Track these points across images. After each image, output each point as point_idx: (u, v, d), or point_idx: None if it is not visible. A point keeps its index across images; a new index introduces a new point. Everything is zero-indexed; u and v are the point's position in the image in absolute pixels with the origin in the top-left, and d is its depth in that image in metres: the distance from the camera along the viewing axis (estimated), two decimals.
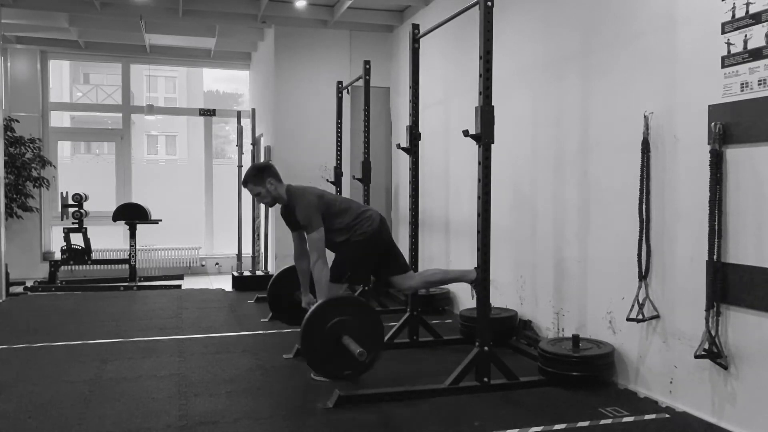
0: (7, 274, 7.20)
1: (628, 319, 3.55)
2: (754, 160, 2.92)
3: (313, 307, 3.39)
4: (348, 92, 6.73)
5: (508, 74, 4.91)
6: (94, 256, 8.55)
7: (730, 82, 3.02)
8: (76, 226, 8.33)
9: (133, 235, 8.37)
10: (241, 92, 15.27)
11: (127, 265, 8.46)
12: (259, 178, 3.93)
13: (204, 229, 10.34)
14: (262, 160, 8.35)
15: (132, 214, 8.36)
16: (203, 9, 7.43)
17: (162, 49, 9.58)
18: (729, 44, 3.02)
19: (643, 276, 3.54)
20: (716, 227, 3.04)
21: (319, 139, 7.60)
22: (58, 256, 8.90)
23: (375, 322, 3.42)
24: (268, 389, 3.70)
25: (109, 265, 8.98)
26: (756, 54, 2.89)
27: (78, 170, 11.07)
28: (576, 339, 3.79)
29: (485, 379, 3.60)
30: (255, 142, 8.75)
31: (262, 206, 8.55)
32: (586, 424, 3.12)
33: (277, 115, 7.75)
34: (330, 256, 3.97)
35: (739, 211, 2.99)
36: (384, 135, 7.80)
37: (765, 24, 2.85)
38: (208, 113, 10.22)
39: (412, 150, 4.73)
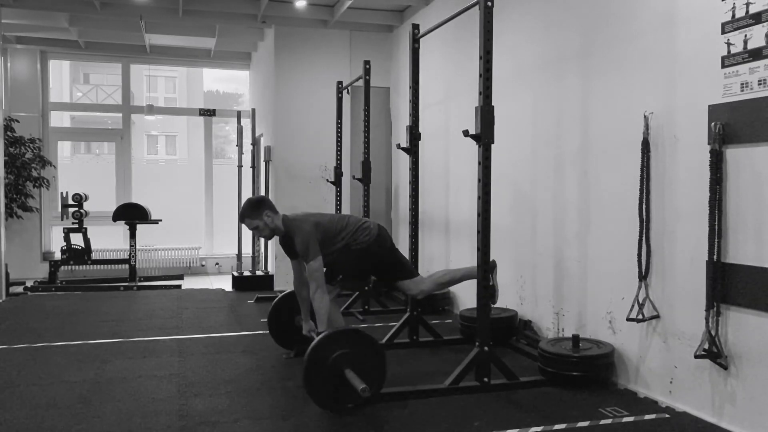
0: (7, 274, 7.20)
1: (628, 319, 3.55)
2: (754, 160, 2.92)
3: (315, 341, 3.37)
4: (348, 92, 6.73)
5: (508, 74, 4.91)
6: (94, 256, 8.56)
7: (730, 82, 3.02)
8: (76, 226, 8.33)
9: (133, 235, 8.38)
10: (241, 92, 15.26)
11: (127, 265, 8.46)
12: (256, 212, 3.93)
13: (204, 229, 10.34)
14: (262, 160, 8.34)
15: (132, 214, 8.36)
16: (203, 9, 7.43)
17: (162, 49, 9.58)
18: (729, 44, 3.03)
19: (643, 276, 3.54)
20: (716, 227, 3.04)
21: (319, 139, 7.61)
22: (58, 256, 8.90)
23: (377, 354, 3.41)
24: (268, 389, 3.70)
25: (109, 265, 8.98)
26: (756, 54, 2.89)
27: (78, 170, 11.07)
28: (576, 339, 3.79)
29: (485, 379, 3.60)
30: (255, 142, 8.75)
31: None
32: (586, 424, 3.12)
33: (277, 115, 7.75)
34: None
35: (739, 211, 2.99)
36: (384, 135, 7.80)
37: (765, 24, 2.85)
38: (208, 113, 10.22)
39: (412, 150, 4.73)
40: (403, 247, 4.61)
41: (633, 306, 3.55)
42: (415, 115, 4.70)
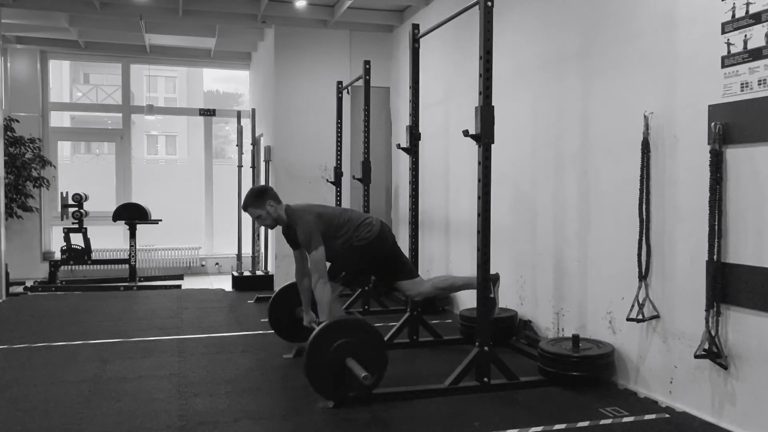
0: (7, 274, 7.20)
1: (628, 319, 3.55)
2: (754, 160, 2.91)
3: (316, 331, 3.38)
4: (348, 92, 6.73)
5: (508, 74, 4.91)
6: (94, 256, 8.56)
7: (730, 82, 3.02)
8: (76, 226, 8.33)
9: (133, 235, 8.38)
10: (241, 92, 15.26)
11: (127, 265, 8.46)
12: (259, 201, 3.95)
13: (204, 229, 10.35)
14: (262, 160, 8.34)
15: (132, 214, 8.36)
16: (203, 9, 7.43)
17: (162, 49, 9.58)
18: (729, 44, 3.02)
19: (643, 276, 3.53)
20: (716, 227, 3.04)
21: (319, 139, 7.61)
22: (58, 256, 8.91)
23: (378, 343, 3.42)
24: (268, 389, 3.70)
25: (109, 265, 8.99)
26: (756, 54, 2.89)
27: (78, 170, 11.07)
28: (576, 339, 3.78)
29: (485, 379, 3.60)
30: (255, 142, 8.75)
31: None
32: (586, 424, 3.12)
33: (277, 115, 7.75)
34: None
35: (739, 211, 2.99)
36: (384, 135, 7.80)
37: (765, 24, 2.85)
38: (208, 113, 10.22)
39: (412, 150, 4.73)
40: (403, 247, 4.60)
41: (633, 306, 3.55)
42: (415, 115, 4.70)
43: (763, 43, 2.86)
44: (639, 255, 3.54)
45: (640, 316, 3.50)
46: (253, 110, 8.96)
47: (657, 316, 3.48)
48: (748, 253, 2.95)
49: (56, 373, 3.99)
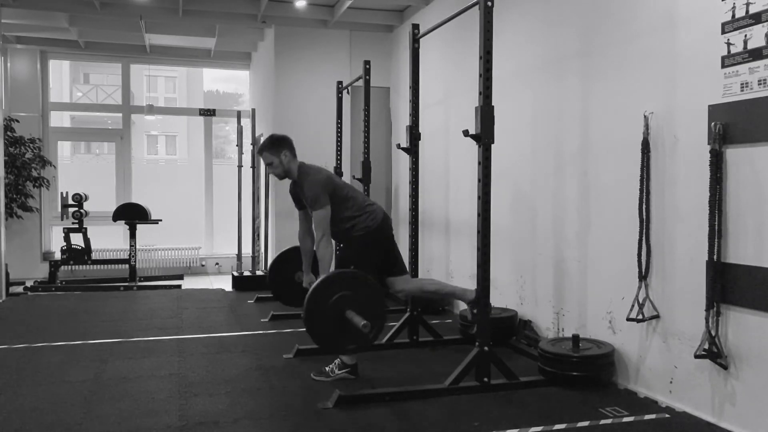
0: (7, 274, 7.20)
1: (628, 319, 3.55)
2: (754, 160, 2.92)
3: (315, 283, 3.38)
4: (348, 92, 6.73)
5: (508, 74, 4.91)
6: (94, 256, 8.55)
7: (730, 82, 3.02)
8: (76, 226, 8.33)
9: (133, 235, 8.37)
10: (241, 92, 15.27)
11: (127, 265, 8.46)
12: (276, 148, 3.95)
13: (204, 229, 10.34)
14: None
15: (132, 214, 8.36)
16: (203, 9, 7.43)
17: (162, 49, 9.58)
18: (729, 44, 3.02)
19: (643, 276, 3.54)
20: (716, 227, 3.04)
21: (319, 139, 7.59)
22: (58, 256, 8.90)
23: (377, 296, 3.41)
24: (268, 389, 3.70)
25: (109, 265, 8.98)
26: (756, 54, 2.89)
27: (78, 170, 11.06)
28: (576, 339, 3.78)
29: (485, 379, 3.60)
30: (255, 142, 8.74)
31: (262, 206, 8.55)
32: (586, 424, 3.12)
33: (277, 115, 7.75)
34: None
35: (739, 211, 2.99)
36: (384, 135, 7.80)
37: (765, 24, 2.85)
38: (208, 113, 10.22)
39: (412, 150, 4.73)
40: (403, 247, 4.60)
41: (633, 306, 3.55)
42: (415, 115, 4.70)
43: (763, 43, 2.86)
44: (639, 255, 3.54)
45: (640, 316, 3.50)
46: (253, 110, 8.96)
47: (657, 316, 3.48)
48: (748, 253, 2.95)
49: (56, 373, 4.00)
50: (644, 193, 3.52)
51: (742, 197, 2.97)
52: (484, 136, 3.56)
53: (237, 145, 8.77)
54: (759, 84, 2.88)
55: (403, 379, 3.90)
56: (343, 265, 3.94)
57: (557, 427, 3.09)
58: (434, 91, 6.32)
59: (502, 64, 4.50)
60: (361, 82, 5.81)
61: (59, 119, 11.15)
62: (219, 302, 6.69)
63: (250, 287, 7.44)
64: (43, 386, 3.73)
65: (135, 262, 8.42)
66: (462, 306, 5.77)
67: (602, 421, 3.15)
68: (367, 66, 5.68)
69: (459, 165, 5.88)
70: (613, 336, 3.83)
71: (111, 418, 3.20)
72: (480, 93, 3.58)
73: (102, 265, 8.95)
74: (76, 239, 8.32)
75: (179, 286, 8.19)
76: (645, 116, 3.52)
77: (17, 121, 8.67)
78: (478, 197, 3.60)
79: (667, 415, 3.25)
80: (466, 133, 3.57)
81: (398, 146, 4.89)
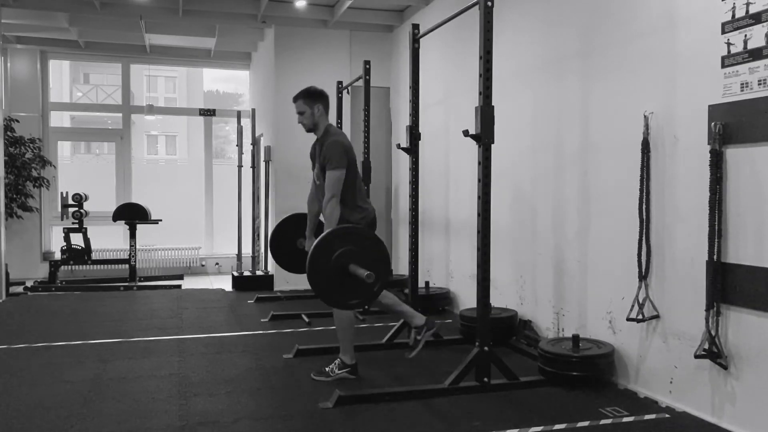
0: (7, 274, 7.20)
1: (628, 319, 3.55)
2: (754, 160, 2.92)
3: (318, 239, 3.37)
4: (348, 92, 6.73)
5: (508, 74, 4.91)
6: (94, 256, 8.56)
7: (730, 82, 3.02)
8: (76, 226, 8.33)
9: (133, 235, 8.38)
10: (241, 92, 15.27)
11: (127, 265, 8.46)
12: (312, 99, 3.93)
13: (204, 229, 10.34)
14: (262, 160, 8.34)
15: (132, 214, 8.36)
16: (203, 9, 7.43)
17: (162, 49, 9.58)
18: (729, 44, 3.02)
19: (643, 276, 3.54)
20: (716, 227, 3.04)
21: None
22: (58, 256, 8.91)
23: (380, 251, 3.41)
24: (268, 389, 3.70)
25: (109, 265, 8.98)
26: (756, 54, 2.89)
27: (78, 170, 11.07)
28: (576, 339, 3.78)
29: (485, 379, 3.60)
30: (255, 142, 8.75)
31: (262, 206, 8.56)
32: (586, 424, 3.12)
33: (277, 115, 7.75)
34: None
35: (739, 211, 2.99)
36: (384, 135, 7.80)
37: (765, 24, 2.85)
38: (208, 113, 10.22)
39: (412, 150, 4.73)
40: (404, 247, 4.60)
41: (633, 306, 3.55)
42: (415, 115, 4.70)
43: (763, 43, 2.86)
44: (639, 255, 3.54)
45: (640, 316, 3.50)
46: (253, 110, 8.96)
47: (657, 316, 3.48)
48: (748, 253, 2.95)
49: (56, 373, 3.99)
50: (644, 193, 3.52)
51: (742, 197, 2.97)
52: (484, 136, 3.56)
53: (237, 145, 8.77)
54: (759, 84, 2.88)
55: (403, 379, 3.90)
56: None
57: (557, 427, 3.08)
58: (434, 91, 6.32)
59: (502, 64, 4.50)
60: (361, 82, 5.81)
61: (59, 119, 11.16)
62: (219, 302, 6.69)
63: (250, 287, 7.44)
64: (43, 386, 3.73)
65: (135, 262, 8.42)
66: (462, 306, 5.78)
67: (602, 421, 3.15)
68: (367, 66, 5.68)
69: (459, 165, 5.88)
70: (613, 336, 3.83)
71: (111, 418, 3.20)
72: (480, 93, 3.58)
73: (102, 265, 8.96)
74: (76, 239, 8.33)
75: (179, 286, 8.19)
76: (645, 116, 3.52)
77: (17, 121, 8.68)
78: (478, 197, 3.60)
79: (667, 415, 3.25)
80: (466, 133, 3.57)
81: (398, 146, 4.89)
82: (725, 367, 3.03)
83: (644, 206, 3.52)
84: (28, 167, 8.70)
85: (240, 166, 8.64)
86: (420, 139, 4.74)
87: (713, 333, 3.04)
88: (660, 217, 3.47)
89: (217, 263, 10.11)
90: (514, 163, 4.89)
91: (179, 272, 9.62)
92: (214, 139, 11.24)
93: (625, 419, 3.19)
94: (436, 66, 6.28)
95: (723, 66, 3.06)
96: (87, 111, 17.40)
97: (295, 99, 4.00)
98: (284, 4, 7.25)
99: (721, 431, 3.04)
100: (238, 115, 8.87)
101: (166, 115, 15.95)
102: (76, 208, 8.36)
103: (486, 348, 3.61)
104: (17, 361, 4.29)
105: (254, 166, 8.61)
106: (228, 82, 21.07)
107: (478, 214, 3.61)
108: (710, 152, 3.06)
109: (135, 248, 8.42)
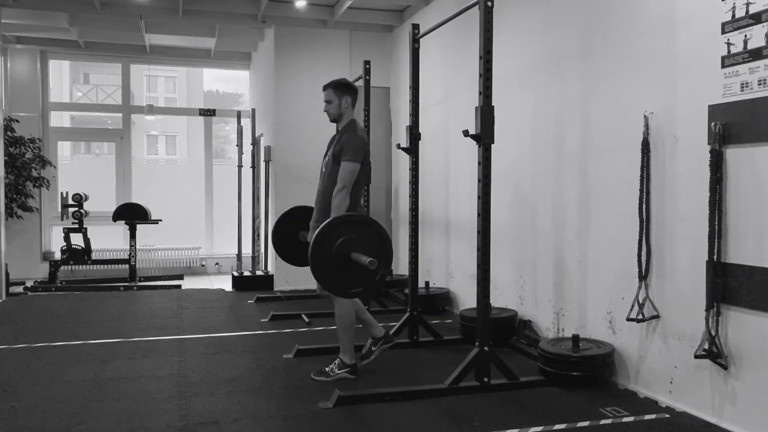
0: (7, 274, 7.20)
1: (628, 319, 3.55)
2: (754, 160, 2.92)
3: (320, 227, 3.37)
4: None
5: (508, 74, 4.91)
6: (94, 256, 8.56)
7: (730, 82, 3.02)
8: (76, 226, 8.33)
9: (133, 235, 8.38)
10: (241, 92, 15.27)
11: (127, 265, 8.46)
12: (343, 91, 3.95)
13: (204, 229, 10.34)
14: (262, 160, 8.34)
15: (132, 214, 8.36)
16: (203, 9, 7.43)
17: (162, 49, 9.58)
18: (729, 44, 3.02)
19: (643, 276, 3.54)
20: (716, 227, 3.04)
21: (319, 139, 7.56)
22: (58, 256, 8.90)
23: (383, 239, 3.41)
24: (268, 389, 3.70)
25: (109, 265, 8.98)
26: (756, 54, 2.89)
27: (78, 170, 11.06)
28: (576, 339, 3.78)
29: (485, 379, 3.60)
30: (255, 142, 8.75)
31: (262, 206, 8.56)
32: (586, 424, 3.12)
33: (277, 115, 7.75)
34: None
35: (739, 211, 2.99)
36: (384, 135, 7.80)
37: (765, 24, 2.85)
38: (208, 113, 10.22)
39: (412, 150, 4.73)
40: (404, 247, 4.60)
41: (633, 306, 3.55)
42: (415, 115, 4.70)
43: (763, 43, 2.86)
44: (639, 255, 3.54)
45: (640, 316, 3.51)
46: (253, 110, 8.96)
47: (657, 316, 3.48)
48: (748, 253, 2.95)
49: (56, 373, 3.99)
50: (644, 193, 3.52)
51: (742, 197, 2.97)
52: (484, 136, 3.56)
53: (237, 145, 8.77)
54: (759, 84, 2.88)
55: (403, 379, 3.90)
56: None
57: (557, 427, 3.08)
58: (434, 91, 6.31)
59: (502, 64, 4.50)
60: (361, 82, 5.81)
61: (59, 119, 11.15)
62: (219, 302, 6.69)
63: (250, 287, 7.44)
64: (43, 386, 3.73)
65: (135, 262, 8.42)
66: (462, 306, 5.78)
67: (602, 421, 3.15)
68: (367, 66, 5.68)
69: (459, 165, 5.88)
70: (613, 336, 3.83)
71: (111, 418, 3.20)
72: (480, 93, 3.58)
73: (102, 265, 8.96)
74: (76, 239, 8.33)
75: (179, 286, 8.19)
76: (645, 116, 3.52)
77: (17, 121, 8.68)
78: (478, 197, 3.60)
79: (667, 415, 3.25)
80: (466, 133, 3.57)
81: (398, 146, 4.89)
82: (725, 367, 3.03)
83: (644, 206, 3.52)
84: (28, 167, 8.70)
85: (240, 166, 8.64)
86: (420, 139, 4.74)
87: (713, 333, 3.04)
88: (660, 217, 3.47)
89: (217, 263, 10.11)
90: (514, 163, 4.89)
91: (179, 272, 9.62)
92: (214, 139, 11.24)
93: (625, 419, 3.19)
94: (436, 66, 6.28)
95: (723, 66, 3.06)
96: (87, 111, 17.41)
97: (325, 87, 4.02)
98: (284, 4, 7.25)
99: (721, 431, 3.04)
100: (238, 115, 8.87)
101: (166, 115, 15.95)
102: (76, 208, 8.36)
103: (486, 348, 3.61)
104: (17, 361, 4.29)
105: (254, 166, 8.61)
106: (228, 82, 21.08)
107: (478, 214, 3.61)
108: (710, 152, 3.06)
109: (135, 248, 8.42)
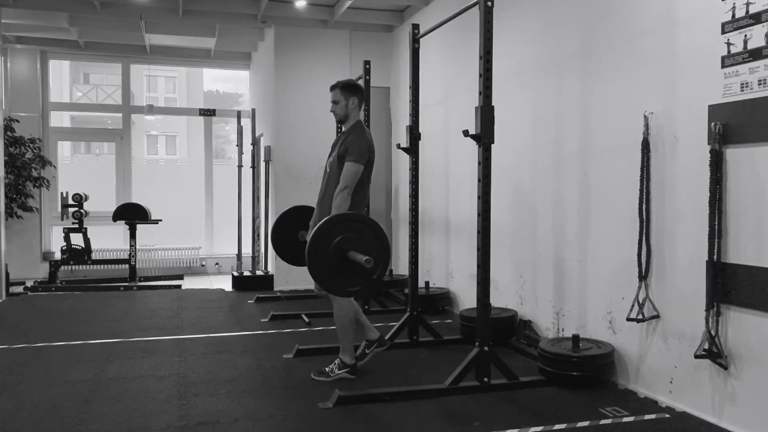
0: (7, 274, 7.20)
1: (628, 319, 3.55)
2: (754, 160, 2.92)
3: (317, 226, 3.37)
4: None
5: (508, 74, 4.91)
6: (94, 256, 8.56)
7: (730, 82, 3.02)
8: (76, 226, 8.33)
9: (133, 235, 8.38)
10: (241, 92, 15.27)
11: (127, 265, 8.46)
12: (350, 91, 3.97)
13: (204, 229, 10.34)
14: (262, 160, 8.34)
15: (132, 214, 8.36)
16: (203, 9, 7.43)
17: (162, 49, 9.58)
18: (729, 44, 3.03)
19: (643, 276, 3.54)
20: (716, 227, 3.04)
21: (319, 139, 7.58)
22: (58, 256, 8.90)
23: (381, 239, 3.41)
24: (268, 389, 3.70)
25: (109, 265, 8.98)
26: (756, 54, 2.89)
27: (78, 170, 11.07)
28: (576, 339, 3.78)
29: (485, 379, 3.60)
30: (255, 142, 8.75)
31: (262, 206, 8.56)
32: (586, 424, 3.12)
33: (277, 115, 7.75)
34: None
35: (739, 211, 2.99)
36: (384, 135, 7.80)
37: (765, 24, 2.85)
38: (208, 113, 10.21)
39: (412, 150, 4.73)
40: (404, 247, 4.60)
41: (633, 306, 3.55)
42: (415, 115, 4.70)
43: (763, 43, 2.86)
44: (639, 255, 3.54)
45: (640, 316, 3.50)
46: (253, 110, 8.96)
47: (657, 316, 3.48)
48: (748, 253, 2.95)
49: (56, 373, 3.99)
50: (644, 193, 3.52)
51: (742, 197, 2.97)
52: (484, 136, 3.56)
53: (237, 145, 8.77)
54: (759, 84, 2.88)
55: (403, 379, 3.90)
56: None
57: (557, 427, 3.08)
58: (434, 91, 6.32)
59: (502, 64, 4.50)
60: (361, 82, 5.81)
61: (59, 119, 11.15)
62: (219, 302, 6.69)
63: (250, 287, 7.44)
64: (43, 386, 3.73)
65: (135, 262, 8.42)
66: (462, 306, 5.78)
67: (602, 421, 3.15)
68: (367, 66, 5.68)
69: (459, 165, 5.88)
70: (613, 336, 3.83)
71: (111, 418, 3.20)
72: (480, 93, 3.58)
73: (102, 265, 8.95)
74: (76, 239, 8.33)
75: (179, 286, 8.19)
76: (645, 116, 3.52)
77: (17, 121, 8.67)
78: (478, 197, 3.60)
79: (667, 415, 3.25)
80: (466, 133, 3.57)
81: (398, 146, 4.89)
82: (725, 367, 3.03)
83: (644, 206, 3.52)
84: (28, 167, 8.70)
85: (240, 166, 8.65)
86: (420, 139, 4.74)
87: (713, 333, 3.05)
88: (660, 217, 3.47)
89: (217, 263, 10.11)
90: (514, 163, 4.89)
91: (179, 272, 9.62)
92: (214, 139, 11.24)
93: (625, 419, 3.19)
94: (436, 66, 6.28)
95: (723, 66, 3.06)
96: (87, 111, 17.40)
97: (333, 88, 4.03)
98: (284, 4, 7.25)
99: (721, 431, 3.04)
100: (238, 115, 8.87)
101: (166, 115, 15.94)
102: (76, 208, 8.36)
103: (486, 348, 3.61)
104: (17, 361, 4.29)
105: (254, 166, 8.61)
106: (228, 82, 21.08)
107: (478, 214, 3.61)
108: (710, 152, 3.06)
109: (135, 248, 8.42)
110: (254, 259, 8.46)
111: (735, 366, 3.02)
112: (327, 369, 3.84)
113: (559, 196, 4.38)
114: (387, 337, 4.58)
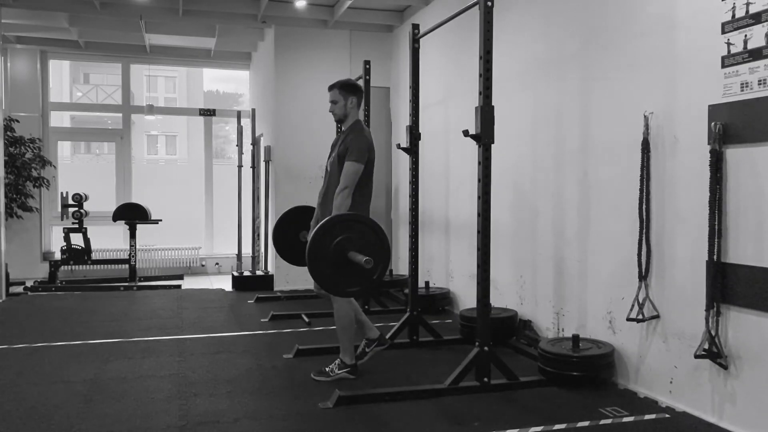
0: (7, 274, 7.20)
1: (628, 319, 3.55)
2: (754, 160, 2.92)
3: (317, 227, 3.37)
4: None
5: (508, 74, 4.91)
6: (94, 256, 8.55)
7: (730, 82, 3.02)
8: (76, 226, 8.33)
9: (133, 235, 8.37)
10: (241, 92, 15.27)
11: (127, 265, 8.46)
12: (348, 91, 3.96)
13: (204, 229, 10.34)
14: (262, 160, 8.34)
15: (132, 214, 8.36)
16: (203, 9, 7.43)
17: (162, 49, 9.58)
18: (729, 44, 3.03)
19: (643, 276, 3.54)
20: (716, 227, 3.04)
21: (319, 139, 7.58)
22: (58, 256, 8.90)
23: (381, 240, 3.41)
24: (268, 389, 3.70)
25: (109, 265, 8.97)
26: (756, 54, 2.89)
27: (78, 170, 11.07)
28: (576, 339, 3.78)
29: (485, 379, 3.60)
30: (255, 142, 8.75)
31: (262, 206, 8.56)
32: (586, 424, 3.12)
33: (277, 115, 7.75)
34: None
35: (739, 211, 2.99)
36: (384, 135, 7.80)
37: (765, 24, 2.85)
38: (208, 113, 10.21)
39: (412, 150, 4.73)
40: (404, 247, 4.60)
41: (633, 306, 3.55)
42: (415, 115, 4.70)
43: (763, 43, 2.86)
44: (639, 255, 3.54)
45: (640, 316, 3.51)
46: (253, 110, 8.96)
47: (657, 316, 3.48)
48: (748, 253, 2.95)
49: (56, 373, 3.99)
50: (644, 193, 3.52)
51: (742, 197, 2.98)
52: (484, 136, 3.56)
53: (237, 145, 8.77)
54: (759, 84, 2.88)
55: (403, 379, 3.90)
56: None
57: (557, 427, 3.09)
58: (434, 91, 6.32)
59: (502, 64, 4.50)
60: (361, 82, 5.81)
61: (59, 119, 11.14)
62: (219, 302, 6.69)
63: (250, 287, 7.44)
64: (43, 386, 3.73)
65: (135, 262, 8.42)
66: (462, 306, 5.78)
67: (602, 421, 3.15)
68: (367, 66, 5.68)
69: (459, 165, 5.88)
70: (613, 336, 3.83)
71: (111, 418, 3.20)
72: (480, 93, 3.58)
73: (102, 265, 8.95)
74: (76, 239, 8.32)
75: (179, 286, 8.19)
76: (645, 116, 3.52)
77: (17, 121, 8.67)
78: (478, 197, 3.60)
79: (667, 415, 3.25)
80: (466, 133, 3.57)
81: (398, 146, 4.89)
82: (725, 367, 3.03)
83: (644, 206, 3.52)
84: (28, 167, 8.69)
85: (240, 166, 8.64)
86: (420, 139, 4.74)
87: (713, 333, 3.05)
88: (660, 217, 3.47)
89: (217, 263, 10.10)
90: (514, 163, 4.89)
91: (179, 272, 9.62)
92: (214, 139, 11.23)
93: (625, 419, 3.19)
94: (436, 66, 6.28)
95: (723, 66, 3.06)
96: (87, 111, 17.41)
97: (331, 88, 4.03)
98: (284, 4, 7.25)
99: (721, 431, 3.04)
100: (238, 115, 8.87)
101: (166, 115, 15.93)
102: (76, 208, 8.36)
103: (486, 348, 3.61)
104: (17, 361, 4.29)
105: (254, 166, 8.61)
106: (228, 82, 21.09)
107: (478, 214, 3.61)
108: (710, 152, 3.06)
109: (135, 248, 8.41)
110: (254, 259, 8.46)
111: (735, 366, 3.02)
112: (327, 369, 3.84)
113: (559, 196, 4.38)
114: (387, 337, 4.59)
